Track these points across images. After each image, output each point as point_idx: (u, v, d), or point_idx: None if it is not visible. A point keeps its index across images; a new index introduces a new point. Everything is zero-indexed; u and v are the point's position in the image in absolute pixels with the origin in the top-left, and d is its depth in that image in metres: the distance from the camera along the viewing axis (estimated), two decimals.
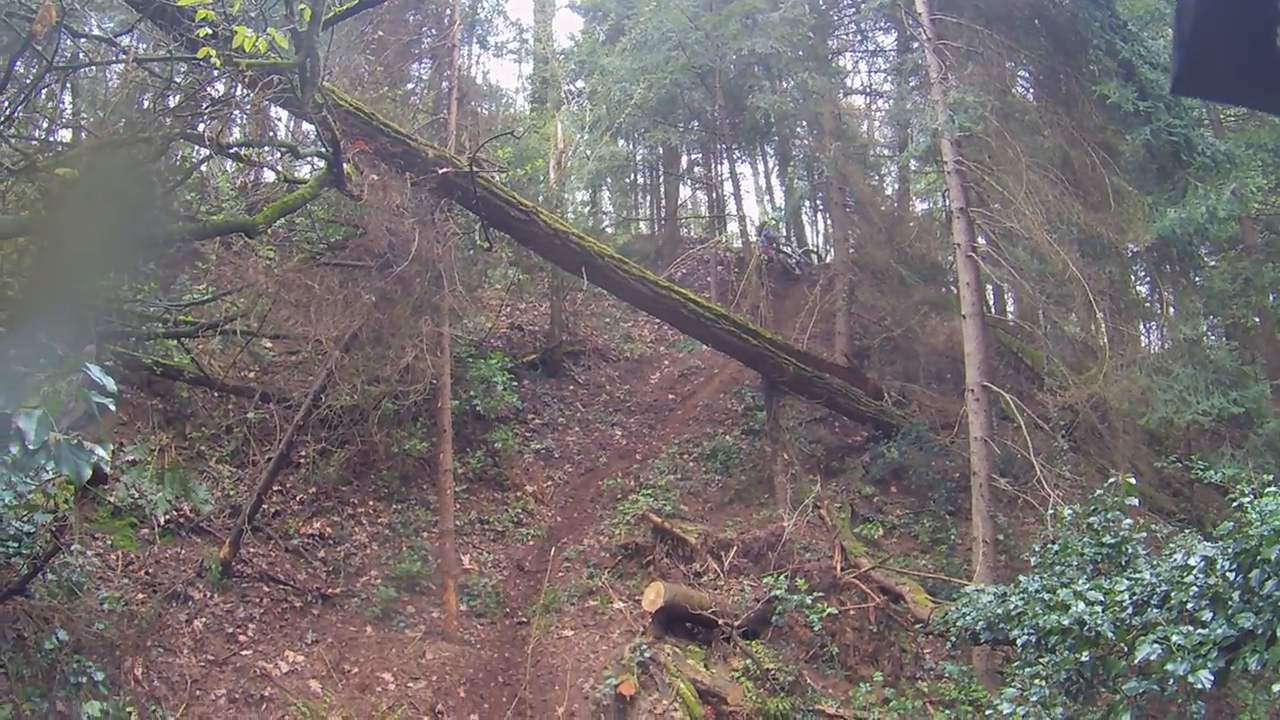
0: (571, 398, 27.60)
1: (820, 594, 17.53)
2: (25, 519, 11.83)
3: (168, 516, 17.70)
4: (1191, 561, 9.62)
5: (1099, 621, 10.17)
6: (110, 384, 6.85)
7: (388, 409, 20.02)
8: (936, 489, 22.75)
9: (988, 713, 13.12)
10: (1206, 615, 8.91)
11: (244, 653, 16.61)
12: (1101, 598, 10.42)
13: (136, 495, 17.24)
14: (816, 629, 17.53)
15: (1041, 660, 11.13)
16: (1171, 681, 8.97)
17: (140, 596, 16.41)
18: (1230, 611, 8.62)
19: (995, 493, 18.97)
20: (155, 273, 18.94)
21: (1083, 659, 10.45)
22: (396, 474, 21.27)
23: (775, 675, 17.33)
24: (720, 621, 18.01)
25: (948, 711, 17.41)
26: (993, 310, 30.37)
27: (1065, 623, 10.46)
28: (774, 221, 35.43)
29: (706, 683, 16.87)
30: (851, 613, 18.39)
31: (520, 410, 25.16)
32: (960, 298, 20.09)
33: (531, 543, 21.36)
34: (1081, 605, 10.43)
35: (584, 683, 17.10)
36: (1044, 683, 11.03)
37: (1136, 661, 9.40)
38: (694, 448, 24.83)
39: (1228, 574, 8.81)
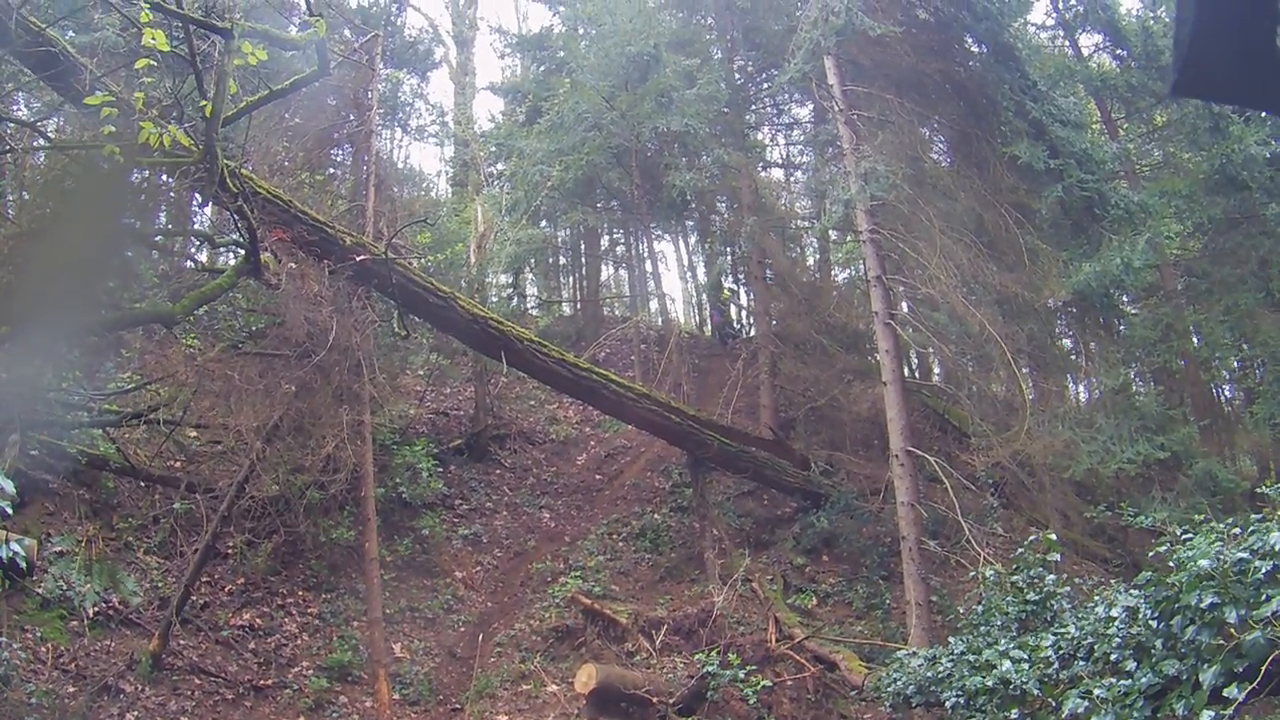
0: (498, 481, 27.43)
1: (754, 667, 17.50)
2: None
3: (96, 608, 17.43)
4: (1114, 612, 9.73)
5: (1025, 679, 10.23)
6: (9, 486, 6.77)
7: (313, 497, 19.85)
8: (868, 555, 22.82)
9: None
10: (1130, 665, 9.00)
11: None
12: (1026, 656, 10.49)
13: (65, 587, 17.00)
14: (752, 702, 17.40)
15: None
16: None
17: (70, 689, 16.17)
18: (1154, 659, 8.70)
19: (926, 555, 19.02)
20: (79, 361, 18.75)
21: (1011, 717, 10.47)
22: (325, 563, 21.04)
23: None
24: (655, 700, 17.85)
25: None
26: (916, 375, 30.66)
27: (990, 683, 10.52)
28: (730, 294, 35.82)
29: None
30: (788, 684, 18.34)
31: (447, 496, 25.00)
32: (881, 365, 20.22)
33: (463, 628, 21.15)
34: (1007, 664, 10.51)
35: None
36: None
37: (1064, 717, 9.43)
38: (622, 527, 24.75)
39: (1150, 622, 8.90)
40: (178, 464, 21.36)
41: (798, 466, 24.63)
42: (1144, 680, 8.61)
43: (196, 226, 21.92)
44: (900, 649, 16.70)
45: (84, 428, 19.07)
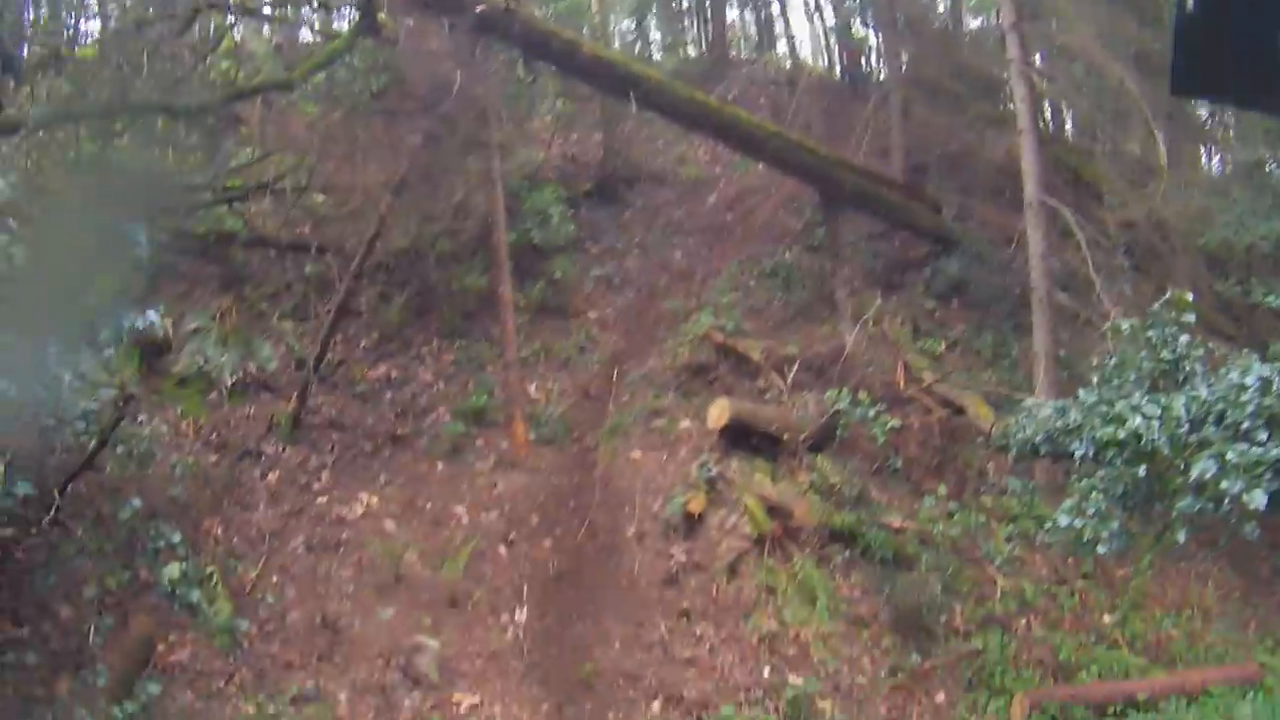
0: (630, 223, 27.41)
1: (883, 407, 17.38)
2: (90, 396, 12.01)
3: (234, 378, 17.87)
4: (1247, 380, 9.55)
5: (1155, 436, 10.14)
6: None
7: (444, 247, 20.13)
8: (997, 304, 22.50)
9: (1046, 525, 13.23)
10: (1262, 435, 8.89)
11: (319, 501, 17.10)
12: (1158, 412, 10.37)
13: (201, 361, 17.43)
14: (881, 442, 17.53)
15: (1099, 473, 11.15)
16: (1226, 500, 9.01)
17: (213, 458, 16.95)
18: None
19: (1056, 308, 18.84)
20: (199, 143, 18.98)
21: (1139, 473, 10.45)
22: (458, 311, 21.40)
23: (841, 489, 17.54)
24: (785, 436, 18.12)
25: (1010, 526, 17.61)
26: (1050, 128, 29.77)
27: (1121, 436, 10.44)
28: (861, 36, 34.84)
29: (773, 497, 17.13)
30: (915, 426, 18.48)
31: (578, 239, 25.00)
32: (1017, 113, 19.73)
33: (596, 367, 21.45)
34: (1138, 419, 10.39)
35: (653, 502, 17.40)
36: (1101, 496, 11.05)
37: (1192, 479, 9.42)
38: (754, 266, 24.58)
39: None
40: (306, 229, 21.75)
41: (930, 210, 24.31)
42: (1274, 452, 8.55)
43: None
44: (1027, 399, 16.75)
45: (209, 206, 19.41)
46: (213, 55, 17.96)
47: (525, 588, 16.48)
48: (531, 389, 20.50)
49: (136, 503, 12.33)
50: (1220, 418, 9.80)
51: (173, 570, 12.10)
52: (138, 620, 13.26)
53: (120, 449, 12.83)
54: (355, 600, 15.80)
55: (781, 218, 27.03)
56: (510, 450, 18.63)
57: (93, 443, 12.47)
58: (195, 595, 12.15)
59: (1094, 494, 11.14)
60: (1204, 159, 27.58)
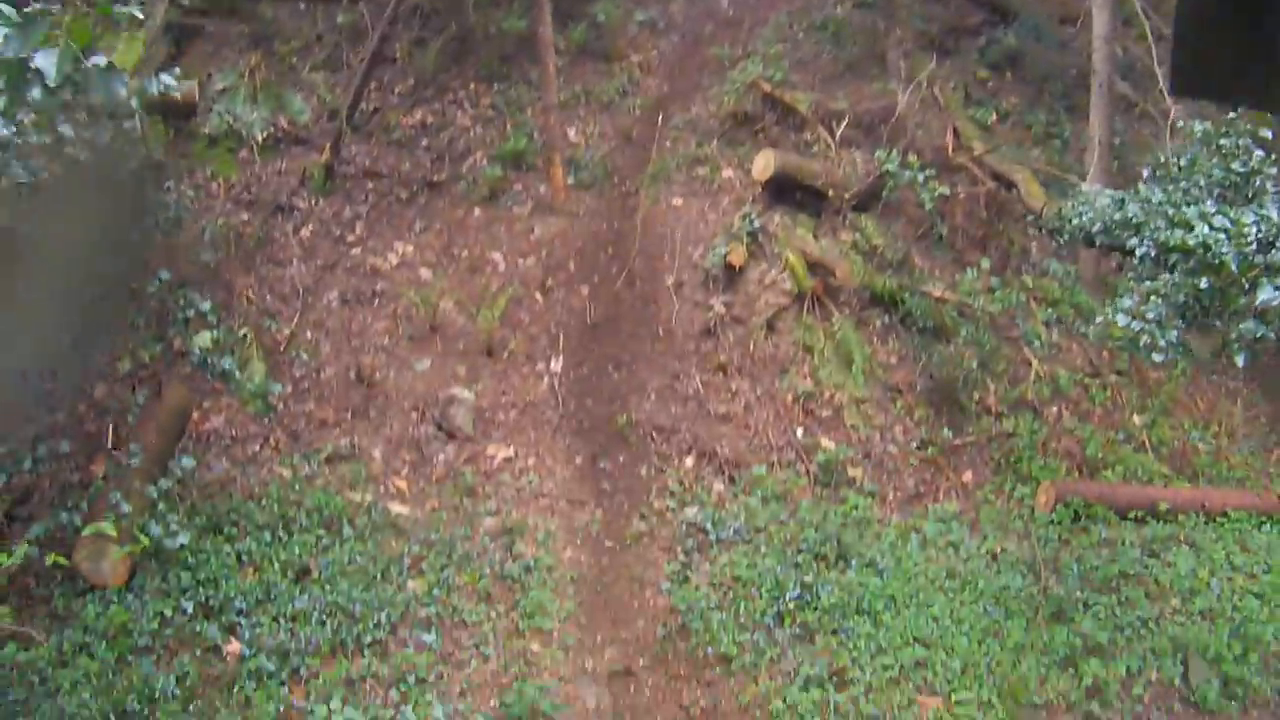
0: None
1: (932, 173, 16.99)
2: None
3: (265, 134, 17.53)
4: None
5: (1223, 249, 9.79)
6: None
7: None
8: (1053, 82, 21.80)
9: (1097, 319, 13.00)
10: None
11: (353, 252, 16.84)
12: (1228, 225, 9.99)
13: (231, 120, 16.98)
14: (927, 209, 17.28)
15: (1161, 277, 10.84)
16: None
17: (245, 217, 16.64)
18: None
19: (1115, 96, 18.23)
20: None
21: (1202, 285, 10.15)
22: (496, 53, 20.64)
23: (884, 252, 17.36)
24: (830, 193, 17.82)
25: (1050, 310, 17.42)
26: None
27: (1190, 243, 10.09)
28: None
29: (815, 255, 16.91)
30: (963, 195, 18.13)
31: None
32: None
33: (638, 113, 20.78)
34: (1206, 228, 10.04)
35: (693, 251, 17.21)
36: (1161, 302, 10.77)
37: (1257, 303, 9.13)
38: (804, 17, 23.60)
39: None
40: None
41: None
42: None
43: None
44: (1079, 183, 16.32)
45: None
46: None
47: (561, 336, 16.37)
48: (571, 133, 19.96)
49: (165, 274, 11.99)
50: None
51: (204, 339, 11.91)
52: (172, 391, 13.25)
53: (147, 219, 12.47)
54: (390, 353, 15.74)
55: None
56: (549, 195, 18.24)
57: None
58: (228, 362, 11.93)
59: (1154, 298, 10.84)
60: None
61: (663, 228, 17.64)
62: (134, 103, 9.68)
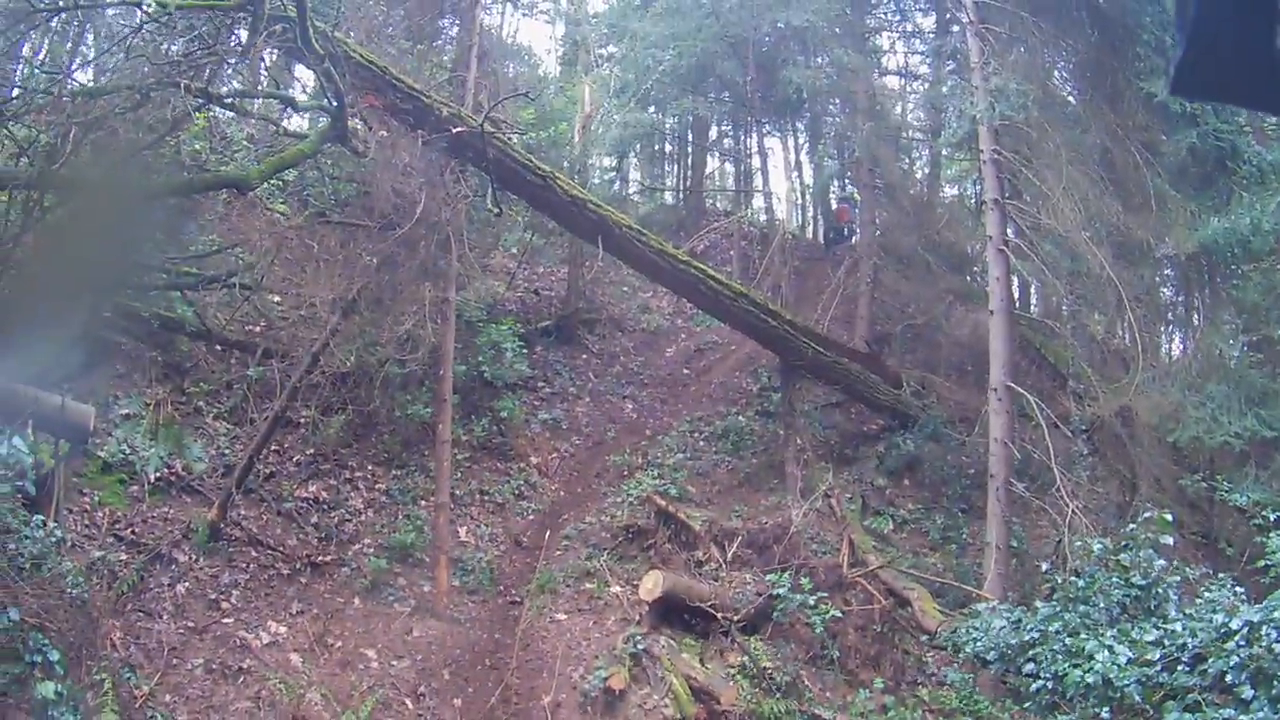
0: (584, 367, 26.99)
1: (824, 593, 16.96)
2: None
3: (158, 474, 17.20)
4: (1234, 625, 8.82)
5: (1126, 681, 9.44)
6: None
7: (391, 372, 19.42)
8: (951, 485, 22.08)
9: None
10: (1247, 691, 8.16)
11: (225, 620, 16.10)
12: (1129, 653, 9.68)
13: (128, 451, 16.71)
14: (818, 630, 16.91)
15: (1058, 712, 10.49)
16: None
17: (124, 557, 15.93)
18: (1276, 692, 7.88)
19: (1011, 496, 18.29)
20: (161, 222, 18.39)
21: (1103, 715, 9.76)
22: (398, 439, 20.59)
23: (772, 675, 16.75)
24: (719, 615, 17.41)
25: None
26: (1017, 304, 29.63)
27: (1090, 680, 9.74)
28: (853, 200, 34.53)
29: (700, 679, 16.33)
30: (855, 613, 17.77)
31: (530, 378, 24.53)
32: (989, 292, 19.31)
33: (532, 517, 20.75)
34: (1105, 656, 9.72)
35: (574, 671, 16.56)
36: None
37: None
38: (705, 426, 24.15)
39: (1274, 646, 8.06)
40: (256, 329, 20.98)
41: (890, 384, 23.85)
42: (1260, 714, 7.83)
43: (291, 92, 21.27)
44: (975, 592, 16.16)
45: (161, 290, 18.72)
46: (185, 135, 17.40)
47: None
48: (462, 532, 19.73)
49: (14, 614, 11.37)
50: (1197, 661, 9.09)
51: (47, 688, 11.17)
52: None
53: (11, 547, 11.94)
54: None
55: (738, 378, 26.78)
56: (432, 595, 17.76)
57: None
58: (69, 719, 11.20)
59: None
60: (1166, 344, 27.24)
61: (545, 643, 17.12)
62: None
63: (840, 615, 17.23)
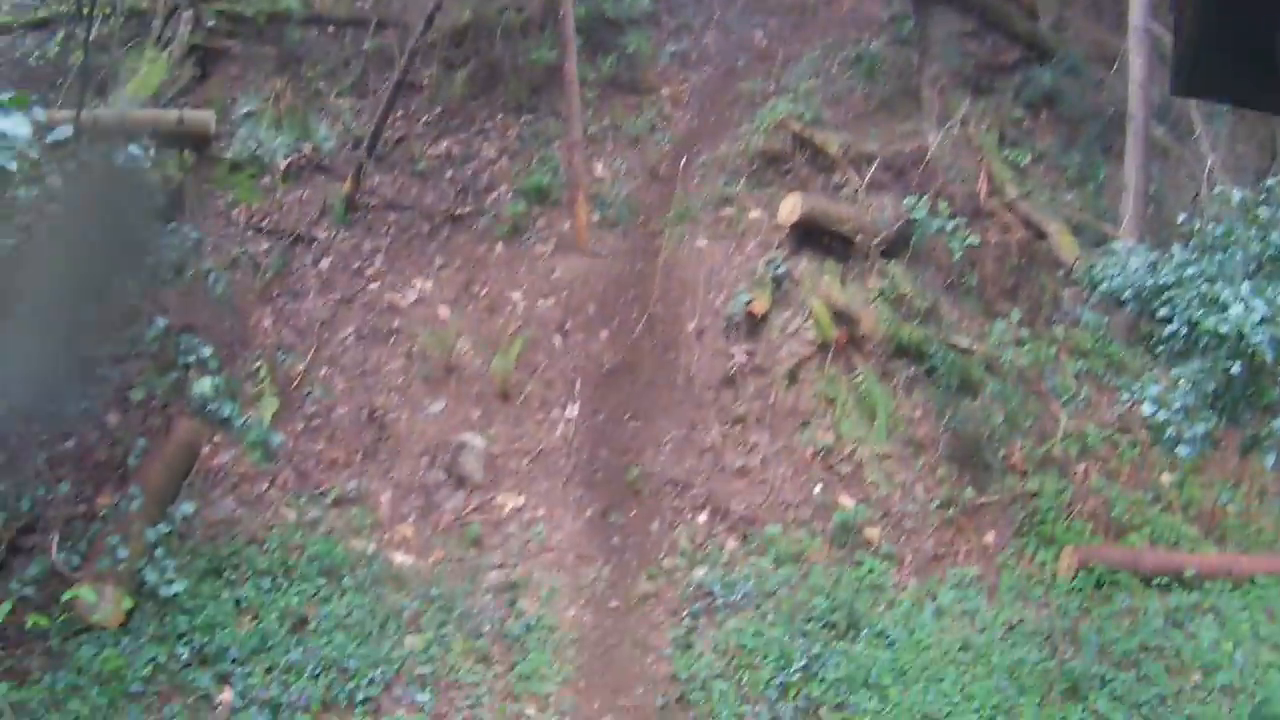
0: None
1: (963, 219, 16.82)
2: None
3: (288, 160, 17.43)
4: None
5: (1258, 336, 9.39)
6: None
7: (511, 20, 19.18)
8: (1089, 123, 21.19)
9: (1124, 397, 12.65)
10: None
11: (371, 286, 16.68)
12: (1265, 310, 9.57)
13: (254, 145, 16.84)
14: (957, 257, 16.99)
15: (1192, 364, 10.48)
16: None
17: (264, 246, 16.52)
18: None
19: (1151, 142, 17.85)
20: None
21: (1234, 371, 9.76)
22: (525, 85, 20.39)
23: (911, 300, 16.92)
24: (858, 239, 17.47)
25: (1081, 362, 17.04)
26: None
27: (1223, 330, 9.68)
28: None
29: (841, 303, 16.58)
30: (994, 243, 17.75)
31: (654, 13, 23.85)
32: None
33: (667, 148, 20.51)
34: (1240, 309, 9.64)
35: (716, 297, 16.89)
36: (1190, 389, 10.41)
37: None
38: (838, 51, 23.25)
39: None
40: (365, 4, 20.98)
41: (1026, 15, 23.02)
42: None
43: None
44: (1112, 232, 16.06)
45: None
46: None
47: (578, 382, 16.12)
48: (598, 168, 19.73)
49: (161, 322, 11.83)
50: None
51: (204, 385, 11.71)
52: (181, 425, 13.12)
53: (150, 259, 12.29)
54: (404, 393, 15.55)
55: (868, 5, 25.81)
56: (572, 233, 17.96)
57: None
58: (228, 409, 11.76)
59: (1182, 383, 10.49)
60: None
61: (686, 271, 17.36)
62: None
63: (978, 244, 17.20)
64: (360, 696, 11.32)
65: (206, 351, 11.99)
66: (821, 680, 12.23)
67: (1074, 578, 14.30)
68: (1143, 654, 13.29)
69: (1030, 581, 14.49)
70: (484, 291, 17.04)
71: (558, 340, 16.60)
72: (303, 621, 12.11)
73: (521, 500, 14.48)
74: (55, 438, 12.68)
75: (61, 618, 10.80)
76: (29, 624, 10.28)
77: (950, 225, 16.54)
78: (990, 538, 15.06)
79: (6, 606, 10.11)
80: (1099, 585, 14.33)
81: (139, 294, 12.32)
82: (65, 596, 10.61)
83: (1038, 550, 14.90)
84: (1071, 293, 17.44)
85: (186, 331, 12.27)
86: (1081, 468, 16.07)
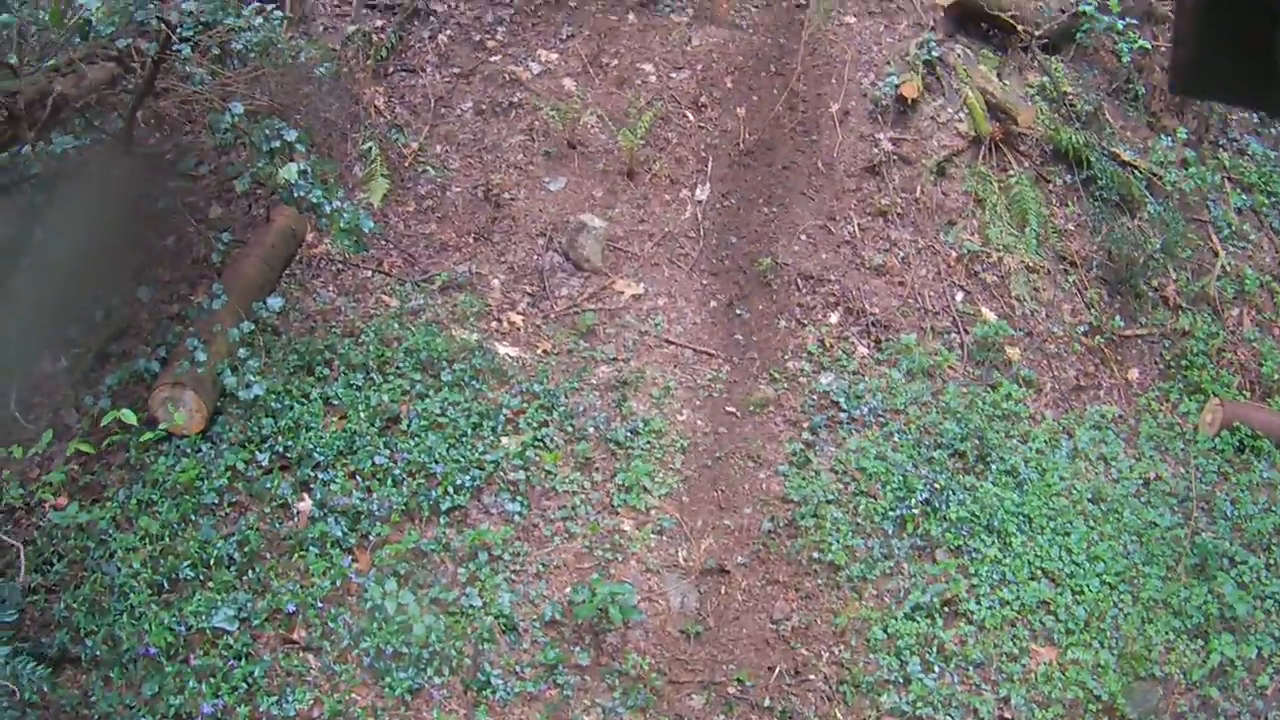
0: None
1: (1134, 22, 15.63)
2: None
3: None
4: None
5: None
6: None
7: None
8: None
9: None
10: None
11: (493, 59, 15.58)
12: None
13: None
14: (1124, 60, 15.88)
15: None
16: None
17: (379, 23, 15.46)
18: None
19: None
20: None
21: None
22: None
23: (1073, 102, 15.77)
24: (1020, 29, 16.20)
25: (1245, 196, 15.87)
26: None
27: None
28: None
29: (997, 96, 15.40)
30: (1164, 49, 16.51)
31: None
32: None
33: None
34: None
35: (863, 77, 15.78)
36: None
37: None
38: None
39: None
40: None
41: None
42: None
43: None
44: None
45: None
46: None
47: (710, 161, 15.11)
48: None
49: (237, 108, 10.92)
50: None
51: (290, 171, 10.86)
52: (281, 214, 12.33)
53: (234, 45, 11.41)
54: (523, 170, 14.59)
55: None
56: (710, 2, 16.82)
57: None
58: (316, 195, 10.89)
59: None
60: None
61: (832, 48, 16.15)
62: None
63: (1148, 48, 16.02)
64: (445, 505, 10.67)
65: (291, 136, 11.17)
66: (943, 519, 11.42)
67: (1216, 436, 13.22)
68: (1277, 538, 12.30)
69: (1171, 432, 13.45)
70: (613, 63, 15.96)
71: (690, 116, 15.56)
72: (394, 420, 11.36)
73: (641, 288, 13.61)
74: (153, 234, 12.05)
75: (140, 430, 10.20)
76: (106, 439, 9.88)
77: (1120, 25, 15.46)
78: (1134, 374, 14.03)
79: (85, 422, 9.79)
80: (1240, 449, 13.20)
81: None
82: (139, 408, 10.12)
83: (1182, 398, 13.85)
84: (1239, 119, 16.39)
85: (272, 116, 11.43)
86: (1235, 312, 14.94)
